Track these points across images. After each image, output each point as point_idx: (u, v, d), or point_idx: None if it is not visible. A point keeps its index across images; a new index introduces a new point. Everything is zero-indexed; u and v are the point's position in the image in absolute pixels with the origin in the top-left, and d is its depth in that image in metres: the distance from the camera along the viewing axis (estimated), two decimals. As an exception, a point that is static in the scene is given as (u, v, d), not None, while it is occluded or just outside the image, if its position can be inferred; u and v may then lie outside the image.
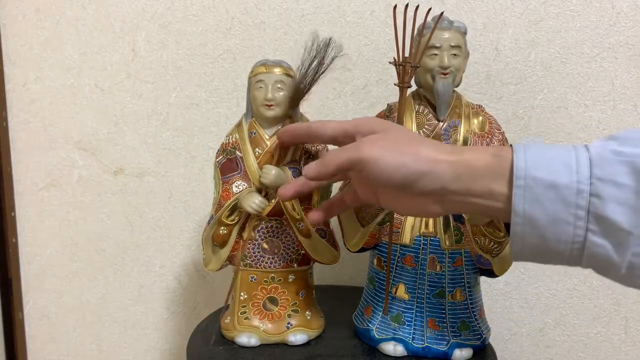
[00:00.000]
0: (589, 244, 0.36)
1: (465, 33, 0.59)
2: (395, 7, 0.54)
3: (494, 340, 0.65)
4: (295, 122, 0.59)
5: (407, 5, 0.53)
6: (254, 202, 0.57)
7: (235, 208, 0.59)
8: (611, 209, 0.34)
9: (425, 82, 0.58)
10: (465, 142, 0.57)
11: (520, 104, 0.78)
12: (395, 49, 0.55)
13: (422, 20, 0.56)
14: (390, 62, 0.56)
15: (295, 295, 0.61)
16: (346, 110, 0.80)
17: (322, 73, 0.56)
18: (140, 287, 0.87)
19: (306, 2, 0.78)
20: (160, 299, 0.87)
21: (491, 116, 0.60)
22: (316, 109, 0.79)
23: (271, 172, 0.56)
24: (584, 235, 0.36)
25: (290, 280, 0.61)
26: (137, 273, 0.86)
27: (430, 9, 0.55)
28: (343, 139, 0.47)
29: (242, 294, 0.61)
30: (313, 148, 0.60)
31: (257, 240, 0.60)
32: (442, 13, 0.56)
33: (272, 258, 0.60)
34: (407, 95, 0.56)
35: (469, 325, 0.60)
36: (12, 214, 0.84)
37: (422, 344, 0.59)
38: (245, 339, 0.60)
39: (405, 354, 0.59)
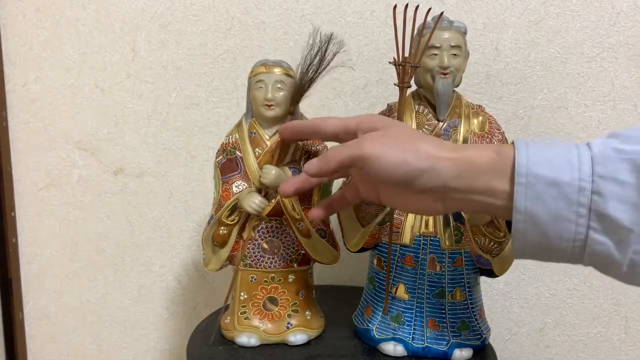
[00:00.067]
0: (590, 242, 0.36)
1: (465, 33, 0.59)
2: (395, 7, 0.54)
3: (494, 340, 0.65)
4: (297, 119, 0.59)
5: (407, 5, 0.53)
6: (254, 202, 0.57)
7: (235, 208, 0.59)
8: (612, 207, 0.35)
9: (425, 82, 0.58)
10: (465, 142, 0.57)
11: (520, 104, 0.78)
12: (395, 49, 0.55)
13: (422, 20, 0.56)
14: (390, 62, 0.56)
15: (295, 295, 0.61)
16: (346, 110, 0.80)
17: (323, 69, 0.56)
18: (140, 287, 0.87)
19: (306, 2, 0.78)
20: (160, 299, 0.87)
21: (491, 116, 0.60)
22: (316, 108, 0.79)
23: (271, 172, 0.57)
24: (585, 232, 0.36)
25: (290, 280, 0.61)
26: (137, 273, 0.86)
27: (430, 9, 0.55)
28: (344, 135, 0.47)
29: (242, 294, 0.61)
30: (313, 148, 0.60)
31: (257, 240, 0.60)
32: (442, 13, 0.56)
33: (272, 258, 0.60)
34: (407, 95, 0.56)
35: (469, 325, 0.60)
36: (12, 214, 0.84)
37: (422, 344, 0.59)
38: (245, 339, 0.60)
39: (405, 354, 0.59)
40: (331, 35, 0.55)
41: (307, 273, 0.63)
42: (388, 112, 0.61)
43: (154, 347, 0.89)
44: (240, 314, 0.61)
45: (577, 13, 0.76)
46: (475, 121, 0.59)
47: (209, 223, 0.60)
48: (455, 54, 0.57)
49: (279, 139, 0.58)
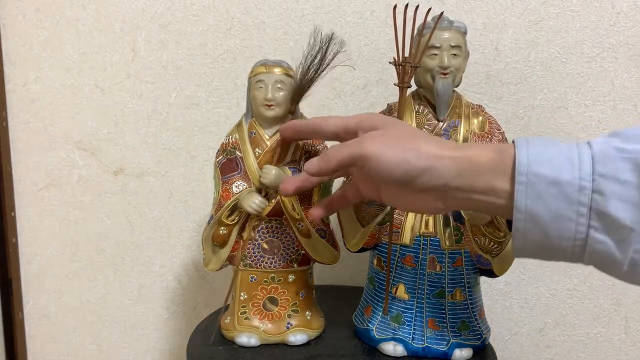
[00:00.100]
0: (591, 241, 0.36)
1: (465, 33, 0.59)
2: (395, 7, 0.54)
3: (494, 340, 0.65)
4: (297, 118, 0.59)
5: (407, 5, 0.53)
6: (254, 202, 0.57)
7: (235, 208, 0.59)
8: (613, 206, 0.35)
9: (425, 82, 0.58)
10: (465, 142, 0.57)
11: (520, 104, 0.78)
12: (395, 49, 0.55)
13: (422, 20, 0.56)
14: (390, 62, 0.56)
15: (295, 295, 0.61)
16: (346, 111, 0.80)
17: (324, 68, 0.56)
18: (140, 287, 0.87)
19: (306, 2, 0.78)
20: (160, 299, 0.87)
21: (491, 116, 0.60)
22: (316, 109, 0.78)
23: (271, 172, 0.56)
24: (586, 232, 0.36)
25: (290, 280, 0.61)
26: (137, 273, 0.86)
27: (430, 9, 0.55)
28: (345, 135, 0.47)
29: (242, 294, 0.61)
30: (313, 148, 0.60)
31: (257, 240, 0.60)
32: (442, 13, 0.56)
33: (272, 258, 0.60)
34: (407, 95, 0.56)
35: (469, 325, 0.60)
36: (12, 214, 0.84)
37: (422, 344, 0.59)
38: (245, 339, 0.60)
39: (405, 354, 0.59)
40: (332, 35, 0.55)
41: (307, 273, 0.63)
42: (388, 112, 0.61)
43: (154, 347, 0.89)
44: (240, 314, 0.61)
45: (577, 13, 0.76)
46: (475, 121, 0.59)
47: (209, 223, 0.60)
48: (455, 54, 0.57)
49: (280, 139, 0.58)
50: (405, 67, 0.55)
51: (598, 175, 0.35)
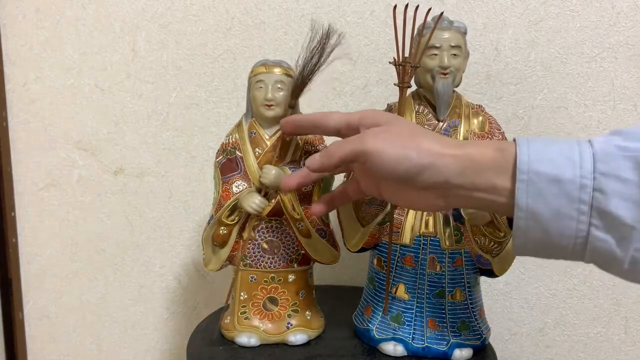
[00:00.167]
0: (591, 239, 0.36)
1: (465, 33, 0.59)
2: (395, 7, 0.54)
3: (494, 340, 0.65)
4: (297, 113, 0.59)
5: (407, 5, 0.53)
6: (254, 202, 0.57)
7: (235, 208, 0.59)
8: (614, 204, 0.35)
9: (425, 82, 0.58)
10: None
11: (520, 104, 0.78)
12: (395, 49, 0.55)
13: (422, 20, 0.56)
14: (390, 62, 0.56)
15: (295, 295, 0.61)
16: (346, 110, 0.79)
17: (324, 61, 0.56)
18: (140, 287, 0.87)
19: (306, 2, 0.78)
20: (160, 299, 0.87)
21: (491, 116, 0.60)
22: (316, 109, 0.78)
23: (271, 172, 0.57)
24: (587, 230, 0.36)
25: (290, 280, 0.61)
26: (137, 273, 0.86)
27: (430, 9, 0.55)
28: (346, 131, 0.47)
29: (242, 294, 0.61)
30: (313, 148, 0.60)
31: (257, 240, 0.60)
32: (442, 13, 0.56)
33: (272, 258, 0.60)
34: (407, 95, 0.56)
35: (469, 325, 0.60)
36: (12, 214, 0.84)
37: (422, 344, 0.59)
38: (245, 339, 0.60)
39: (405, 354, 0.59)
40: (329, 26, 0.55)
41: (307, 273, 0.63)
42: (388, 112, 0.61)
43: (154, 347, 0.89)
44: (240, 314, 0.61)
45: (577, 13, 0.76)
46: (475, 121, 0.59)
47: (209, 223, 0.60)
48: (455, 54, 0.57)
49: (280, 136, 0.58)
50: (405, 67, 0.55)
51: (599, 174, 0.35)
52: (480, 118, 0.59)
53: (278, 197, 0.58)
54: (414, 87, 0.60)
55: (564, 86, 0.77)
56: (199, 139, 0.82)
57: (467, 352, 0.59)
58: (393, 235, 0.58)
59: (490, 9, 0.76)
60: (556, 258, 0.38)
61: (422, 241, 0.58)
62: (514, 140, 0.38)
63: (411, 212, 0.59)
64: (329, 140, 0.55)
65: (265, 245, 0.60)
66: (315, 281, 0.65)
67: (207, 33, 0.79)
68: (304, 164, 0.57)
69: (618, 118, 0.77)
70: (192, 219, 0.85)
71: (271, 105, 0.57)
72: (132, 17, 0.79)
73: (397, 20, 0.54)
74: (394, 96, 0.58)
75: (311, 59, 0.55)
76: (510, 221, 0.46)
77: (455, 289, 0.59)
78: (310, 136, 0.60)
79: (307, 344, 0.61)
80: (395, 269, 0.60)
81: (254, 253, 0.60)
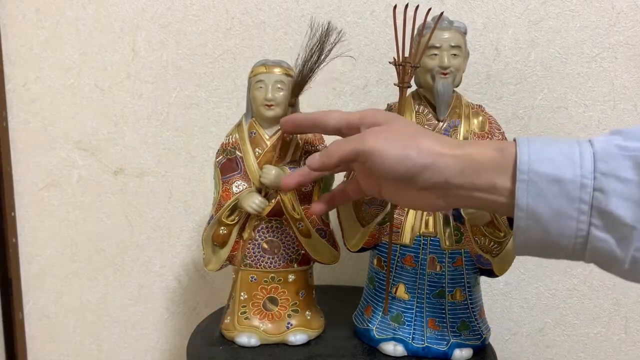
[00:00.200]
0: (592, 239, 0.36)
1: (465, 33, 0.59)
2: (395, 7, 0.54)
3: (494, 340, 0.65)
4: (297, 111, 0.59)
5: (407, 5, 0.53)
6: (254, 202, 0.57)
7: (235, 208, 0.59)
8: (615, 204, 0.35)
9: (425, 82, 0.58)
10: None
11: (520, 104, 0.78)
12: (395, 49, 0.55)
13: (422, 20, 0.56)
14: (390, 62, 0.56)
15: (295, 295, 0.61)
16: (346, 110, 0.80)
17: (324, 58, 0.56)
18: (140, 287, 0.87)
19: (306, 2, 0.78)
20: (160, 299, 0.87)
21: (491, 116, 0.60)
22: (316, 108, 0.78)
23: (271, 172, 0.57)
24: (587, 229, 0.36)
25: (290, 280, 0.61)
26: (137, 273, 0.86)
27: (430, 9, 0.55)
28: (347, 130, 0.47)
29: (242, 294, 0.61)
30: (313, 147, 0.60)
31: (257, 240, 0.60)
32: (442, 13, 0.56)
33: (272, 258, 0.60)
34: (407, 95, 0.56)
35: (469, 325, 0.60)
36: (12, 214, 0.84)
37: (422, 344, 0.59)
38: (245, 339, 0.60)
39: (405, 354, 0.59)
40: (329, 24, 0.55)
41: (307, 273, 0.63)
42: (388, 111, 0.61)
43: (154, 347, 0.89)
44: (240, 314, 0.61)
45: (577, 13, 0.76)
46: (475, 121, 0.59)
47: (209, 223, 0.60)
48: (455, 54, 0.57)
49: (280, 136, 0.58)
50: (405, 67, 0.55)
51: (599, 173, 0.35)
52: (480, 118, 0.59)
53: (278, 197, 0.58)
54: (414, 87, 0.60)
55: (564, 86, 0.77)
56: (199, 139, 0.82)
57: (467, 352, 0.59)
58: (393, 235, 0.58)
59: (490, 9, 0.76)
60: (556, 258, 0.38)
61: (422, 241, 0.58)
62: (514, 140, 0.38)
63: (411, 212, 0.59)
64: (329, 140, 0.55)
65: (265, 245, 0.60)
66: (315, 281, 0.65)
67: (207, 33, 0.79)
68: (304, 164, 0.57)
69: (618, 118, 0.77)
70: (192, 219, 0.85)
71: (271, 105, 0.57)
72: (132, 17, 0.79)
73: (397, 20, 0.54)
74: (394, 96, 0.58)
75: (311, 56, 0.55)
76: (510, 221, 0.46)
77: (455, 289, 0.59)
78: (310, 136, 0.60)
79: (307, 344, 0.61)
80: (395, 269, 0.60)
81: (254, 253, 0.60)
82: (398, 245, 0.59)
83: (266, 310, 0.61)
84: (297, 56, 0.56)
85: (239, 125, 0.61)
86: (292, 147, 0.59)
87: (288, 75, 0.58)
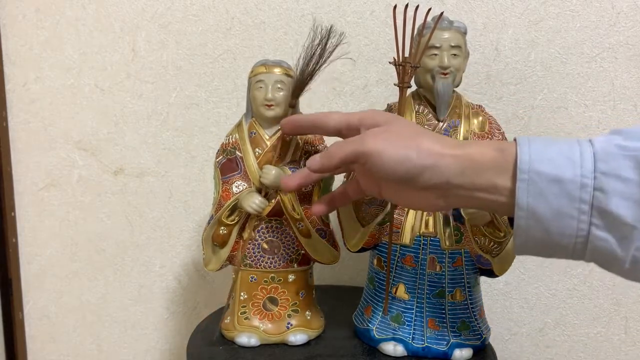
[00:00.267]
0: (592, 238, 0.36)
1: (465, 33, 0.59)
2: (395, 7, 0.54)
3: (494, 340, 0.65)
4: (297, 112, 0.59)
5: (407, 5, 0.53)
6: (254, 202, 0.57)
7: (235, 208, 0.59)
8: (615, 203, 0.35)
9: (425, 82, 0.58)
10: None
11: (520, 104, 0.78)
12: (395, 49, 0.55)
13: (422, 20, 0.56)
14: (390, 62, 0.56)
15: (295, 295, 0.61)
16: (346, 111, 0.79)
17: (325, 61, 0.56)
18: (140, 287, 0.87)
19: (306, 2, 0.78)
20: (160, 299, 0.87)
21: (491, 116, 0.60)
22: (316, 109, 0.78)
23: (271, 172, 0.57)
24: (587, 229, 0.36)
25: (290, 280, 0.61)
26: (137, 273, 0.86)
27: (430, 9, 0.55)
28: (347, 131, 0.47)
29: (242, 294, 0.61)
30: (313, 148, 0.60)
31: (257, 240, 0.60)
32: (442, 13, 0.56)
33: (272, 258, 0.60)
34: (407, 95, 0.56)
35: (469, 325, 0.60)
36: (12, 214, 0.84)
37: (422, 344, 0.59)
38: (245, 339, 0.60)
39: (405, 354, 0.59)
40: (331, 27, 0.55)
41: (307, 273, 0.63)
42: (388, 112, 0.61)
43: (154, 347, 0.89)
44: (240, 314, 0.61)
45: (577, 13, 0.76)
46: (475, 121, 0.59)
47: (209, 223, 0.60)
48: (455, 54, 0.57)
49: (280, 136, 0.58)
50: (405, 67, 0.55)
51: (600, 173, 0.35)
52: (480, 118, 0.59)
53: (278, 197, 0.58)
54: (414, 87, 0.60)
55: (564, 86, 0.77)
56: (199, 139, 0.82)
57: (467, 352, 0.59)
58: (393, 235, 0.58)
59: (490, 9, 0.76)
60: (557, 257, 0.39)
61: (422, 241, 0.58)
62: (515, 140, 0.38)
63: (411, 212, 0.59)
64: (329, 140, 0.56)
65: (265, 245, 0.60)
66: (315, 281, 0.65)
67: (207, 33, 0.79)
68: (304, 164, 0.57)
69: (618, 118, 0.77)
70: (192, 219, 0.85)
71: (271, 105, 0.57)
72: (132, 17, 0.79)
73: (397, 20, 0.54)
74: (394, 96, 0.58)
75: (312, 58, 0.55)
76: (510, 221, 0.46)
77: (455, 289, 0.59)
78: (310, 136, 0.60)
79: (307, 344, 0.61)
80: (395, 269, 0.60)
81: (254, 253, 0.60)
82: (398, 245, 0.59)
83: (266, 310, 0.61)
84: (298, 57, 0.56)
85: (239, 125, 0.61)
86: (292, 147, 0.59)
87: (288, 75, 0.58)
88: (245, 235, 0.60)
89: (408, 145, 0.40)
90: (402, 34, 0.54)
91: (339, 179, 0.60)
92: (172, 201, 0.84)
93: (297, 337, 0.60)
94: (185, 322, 0.88)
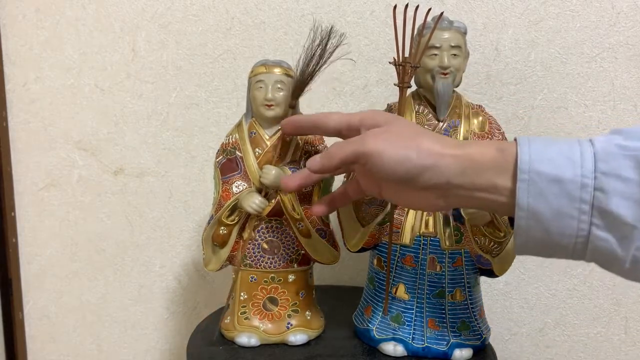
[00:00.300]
0: (592, 238, 0.36)
1: (465, 33, 0.59)
2: (395, 7, 0.54)
3: (494, 340, 0.65)
4: (297, 113, 0.59)
5: (407, 5, 0.53)
6: (254, 202, 0.57)
7: (235, 208, 0.59)
8: (615, 203, 0.35)
9: (425, 82, 0.58)
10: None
11: (520, 104, 0.78)
12: (395, 49, 0.55)
13: (422, 20, 0.56)
14: (390, 62, 0.56)
15: (295, 295, 0.61)
16: (346, 111, 0.79)
17: (325, 61, 0.56)
18: (140, 287, 0.87)
19: (306, 2, 0.78)
20: (160, 299, 0.87)
21: (491, 116, 0.60)
22: (316, 109, 0.78)
23: (271, 172, 0.57)
24: (587, 229, 0.36)
25: (290, 280, 0.61)
26: (137, 273, 0.86)
27: (430, 9, 0.55)
28: (347, 132, 0.47)
29: (242, 294, 0.61)
30: (313, 148, 0.60)
31: (257, 240, 0.60)
32: (442, 13, 0.56)
33: (272, 258, 0.60)
34: (407, 95, 0.56)
35: (469, 325, 0.60)
36: (12, 214, 0.84)
37: (422, 344, 0.59)
38: (245, 339, 0.60)
39: (405, 354, 0.59)
40: (331, 28, 0.55)
41: (307, 273, 0.63)
42: (388, 112, 0.61)
43: (154, 347, 0.89)
44: (240, 314, 0.61)
45: (577, 13, 0.76)
46: (475, 121, 0.59)
47: (209, 223, 0.60)
48: (455, 54, 0.57)
49: (280, 136, 0.57)
50: (405, 67, 0.55)
51: (600, 173, 0.35)
52: (480, 118, 0.59)
53: (278, 197, 0.58)
54: (414, 87, 0.60)
55: (564, 86, 0.77)
56: (199, 139, 0.82)
57: (467, 352, 0.59)
58: (393, 235, 0.58)
59: (490, 9, 0.76)
60: (557, 257, 0.39)
61: (422, 241, 0.58)
62: (515, 140, 0.38)
63: (411, 212, 0.59)
64: (329, 140, 0.56)
65: (265, 245, 0.60)
66: (315, 281, 0.65)
67: (207, 33, 0.79)
68: (304, 164, 0.57)
69: (618, 118, 0.77)
70: (192, 219, 0.85)
71: (271, 105, 0.57)
72: (132, 17, 0.79)
73: (397, 20, 0.54)
74: (394, 96, 0.58)
75: (312, 59, 0.55)
76: (511, 221, 0.46)
77: (455, 289, 0.59)
78: (310, 136, 0.60)
79: (307, 344, 0.61)
80: (395, 269, 0.60)
81: (254, 253, 0.60)
82: (398, 246, 0.59)
83: (266, 310, 0.61)
84: (298, 58, 0.56)
85: (239, 125, 0.61)
86: (292, 147, 0.59)
87: (288, 75, 0.58)
88: (245, 235, 0.60)
89: (408, 145, 0.40)
90: (402, 34, 0.54)
91: (339, 179, 0.60)
92: (172, 201, 0.84)
93: (297, 337, 0.60)
94: (185, 322, 0.88)
